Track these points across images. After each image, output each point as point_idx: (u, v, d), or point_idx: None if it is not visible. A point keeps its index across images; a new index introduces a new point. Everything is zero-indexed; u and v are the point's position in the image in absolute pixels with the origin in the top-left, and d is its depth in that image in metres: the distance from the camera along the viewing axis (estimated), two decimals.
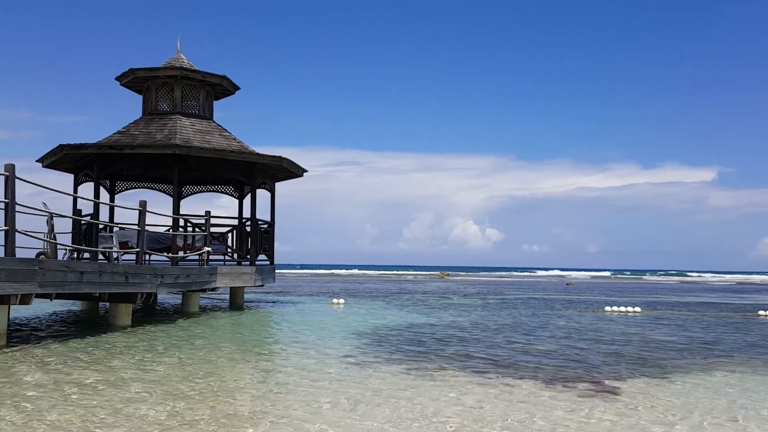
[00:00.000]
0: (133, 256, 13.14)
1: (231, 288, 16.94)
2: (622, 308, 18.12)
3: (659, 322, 14.70)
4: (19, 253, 9.19)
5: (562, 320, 14.59)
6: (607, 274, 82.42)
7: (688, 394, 6.38)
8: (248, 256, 16.53)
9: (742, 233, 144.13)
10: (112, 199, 18.15)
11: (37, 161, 16.66)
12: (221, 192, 20.20)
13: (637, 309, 18.03)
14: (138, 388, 6.08)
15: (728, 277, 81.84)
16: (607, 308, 18.34)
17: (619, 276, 77.23)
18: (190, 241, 15.82)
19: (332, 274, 63.42)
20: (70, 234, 16.01)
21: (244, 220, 17.34)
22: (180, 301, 15.58)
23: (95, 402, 5.48)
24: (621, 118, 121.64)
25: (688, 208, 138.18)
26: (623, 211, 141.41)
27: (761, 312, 17.80)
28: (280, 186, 18.80)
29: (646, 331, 12.52)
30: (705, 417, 5.42)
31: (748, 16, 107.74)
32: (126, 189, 19.01)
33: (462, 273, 77.32)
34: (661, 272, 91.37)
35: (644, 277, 76.47)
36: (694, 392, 6.47)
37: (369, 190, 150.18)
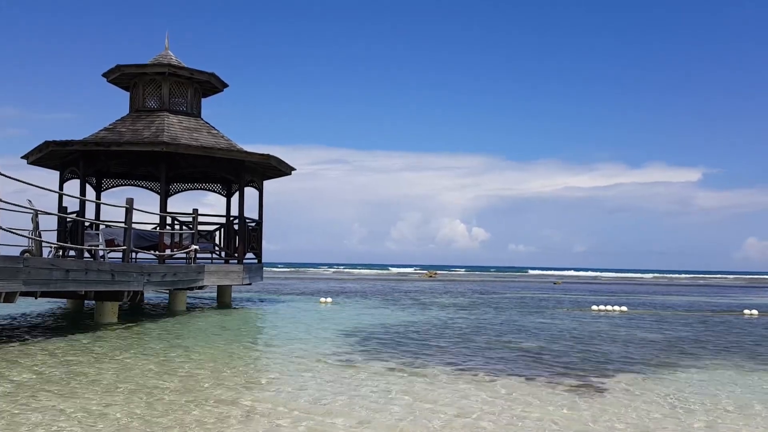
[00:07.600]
0: (120, 254, 13.05)
1: (218, 286, 16.86)
2: (609, 307, 18.24)
3: (645, 320, 14.81)
4: (4, 251, 9.14)
5: (548, 319, 14.65)
6: (592, 273, 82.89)
7: (674, 391, 6.42)
8: (236, 255, 16.47)
9: (728, 234, 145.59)
10: (98, 197, 18.01)
11: (22, 158, 16.51)
12: (209, 190, 20.11)
13: (624, 308, 18.15)
14: (115, 387, 6.03)
15: (713, 277, 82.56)
16: (594, 307, 18.44)
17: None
18: (177, 239, 15.73)
19: (320, 273, 63.35)
20: (56, 232, 15.87)
21: (232, 218, 17.28)
22: (167, 300, 15.49)
23: (74, 400, 5.45)
24: (608, 118, 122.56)
25: (675, 208, 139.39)
26: (610, 212, 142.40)
27: (746, 311, 18.00)
28: (268, 184, 18.76)
29: (633, 329, 12.61)
30: (690, 413, 5.46)
31: (736, 19, 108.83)
32: (112, 186, 18.87)
33: (450, 272, 77.48)
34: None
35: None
36: (679, 389, 6.51)
37: (357, 189, 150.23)
